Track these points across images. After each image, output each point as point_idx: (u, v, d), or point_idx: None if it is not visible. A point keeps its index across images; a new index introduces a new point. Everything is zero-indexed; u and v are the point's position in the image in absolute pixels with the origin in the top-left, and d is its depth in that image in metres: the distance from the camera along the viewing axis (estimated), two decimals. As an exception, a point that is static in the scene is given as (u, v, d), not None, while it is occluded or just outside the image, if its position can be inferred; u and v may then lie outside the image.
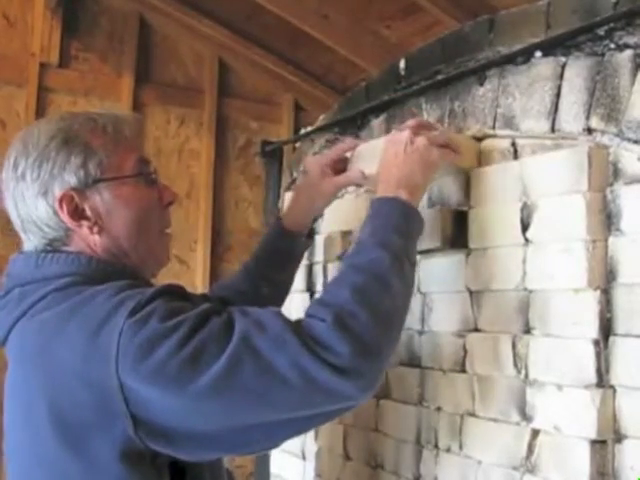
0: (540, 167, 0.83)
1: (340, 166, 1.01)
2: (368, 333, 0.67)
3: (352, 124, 1.22)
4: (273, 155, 1.50)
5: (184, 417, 0.66)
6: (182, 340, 0.64)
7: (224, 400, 0.65)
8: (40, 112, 2.35)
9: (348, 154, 1.02)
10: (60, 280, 0.72)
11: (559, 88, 0.83)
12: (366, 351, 0.66)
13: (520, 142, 0.89)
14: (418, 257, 0.92)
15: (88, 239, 0.76)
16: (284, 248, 1.03)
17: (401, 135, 0.85)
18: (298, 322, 0.69)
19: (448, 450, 0.93)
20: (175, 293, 0.71)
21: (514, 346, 0.84)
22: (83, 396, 0.66)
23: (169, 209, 0.83)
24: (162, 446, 0.67)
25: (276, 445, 0.72)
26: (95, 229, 0.75)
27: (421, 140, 0.84)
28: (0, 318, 0.75)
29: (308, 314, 0.69)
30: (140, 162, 0.79)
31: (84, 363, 0.66)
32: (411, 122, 0.88)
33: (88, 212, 0.75)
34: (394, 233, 0.76)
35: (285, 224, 1.02)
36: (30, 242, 0.77)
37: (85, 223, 0.75)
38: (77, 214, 0.75)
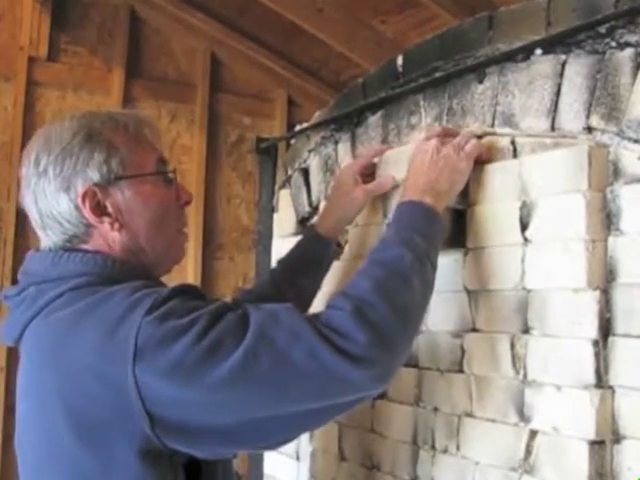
0: (540, 166, 0.83)
1: (368, 171, 1.04)
2: (386, 324, 0.69)
3: (348, 121, 1.21)
4: (267, 152, 1.48)
5: (201, 412, 0.66)
6: (199, 335, 0.65)
7: (241, 392, 0.65)
8: (28, 106, 2.32)
9: (376, 160, 1.04)
10: (76, 279, 0.72)
11: (559, 86, 0.83)
12: (382, 341, 0.68)
13: (520, 140, 0.88)
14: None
15: (108, 236, 0.76)
16: (316, 255, 1.05)
17: (428, 144, 0.88)
18: (316, 314, 0.70)
19: (445, 451, 0.92)
20: (191, 293, 0.72)
21: (512, 346, 0.84)
22: (98, 394, 0.66)
23: (185, 209, 0.84)
24: (179, 443, 0.67)
25: (292, 439, 0.73)
26: (116, 226, 0.76)
27: (447, 149, 0.87)
28: (15, 316, 0.75)
29: (328, 305, 0.71)
30: (159, 161, 0.80)
31: (99, 361, 0.66)
32: (437, 130, 0.91)
33: (110, 208, 0.76)
34: (417, 234, 0.79)
35: (319, 231, 1.05)
36: (49, 238, 0.77)
37: (106, 219, 0.75)
38: (99, 210, 0.75)
